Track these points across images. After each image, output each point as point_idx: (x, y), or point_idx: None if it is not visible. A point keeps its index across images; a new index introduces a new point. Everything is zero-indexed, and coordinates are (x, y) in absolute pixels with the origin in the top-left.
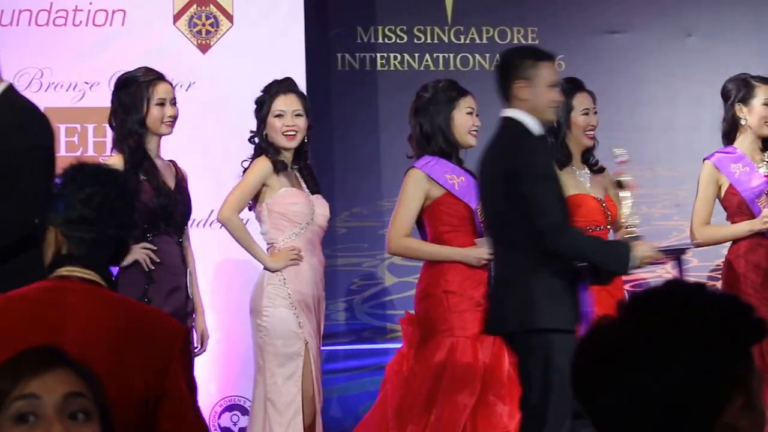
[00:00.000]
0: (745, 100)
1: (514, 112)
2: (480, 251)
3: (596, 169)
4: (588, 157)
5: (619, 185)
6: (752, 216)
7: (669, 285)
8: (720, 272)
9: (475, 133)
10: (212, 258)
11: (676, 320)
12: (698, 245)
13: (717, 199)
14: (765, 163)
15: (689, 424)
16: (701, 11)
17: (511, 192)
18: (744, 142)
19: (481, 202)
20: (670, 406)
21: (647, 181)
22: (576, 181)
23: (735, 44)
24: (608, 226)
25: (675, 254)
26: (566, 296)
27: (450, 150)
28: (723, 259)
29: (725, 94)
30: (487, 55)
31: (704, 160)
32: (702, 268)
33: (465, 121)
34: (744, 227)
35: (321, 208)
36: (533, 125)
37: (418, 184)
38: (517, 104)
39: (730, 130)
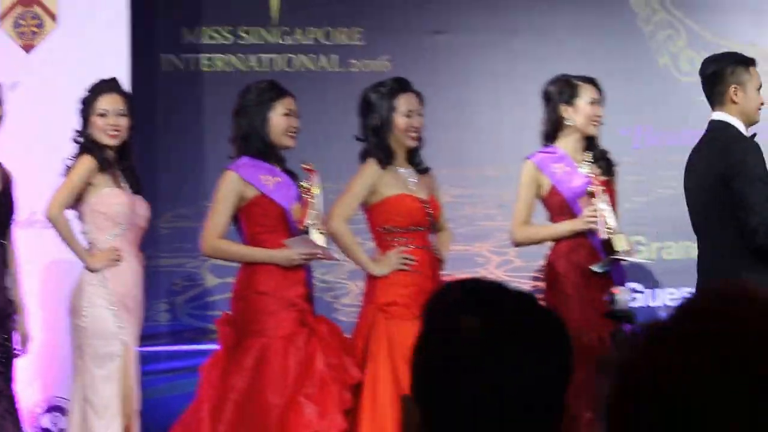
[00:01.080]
0: (570, 100)
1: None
2: (289, 252)
3: (421, 170)
4: (414, 157)
5: None
6: (574, 216)
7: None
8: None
9: (292, 134)
10: (38, 258)
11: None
12: (518, 245)
13: (539, 199)
14: (586, 163)
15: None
16: (526, 11)
17: (724, 191)
18: (566, 142)
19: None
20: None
21: (472, 181)
22: (399, 181)
23: (560, 44)
24: (429, 228)
25: None
26: None
27: (267, 151)
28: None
29: (547, 96)
30: (313, 56)
31: (525, 159)
32: (526, 268)
33: (281, 123)
34: (565, 227)
35: (142, 208)
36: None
37: (231, 185)
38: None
39: (553, 130)
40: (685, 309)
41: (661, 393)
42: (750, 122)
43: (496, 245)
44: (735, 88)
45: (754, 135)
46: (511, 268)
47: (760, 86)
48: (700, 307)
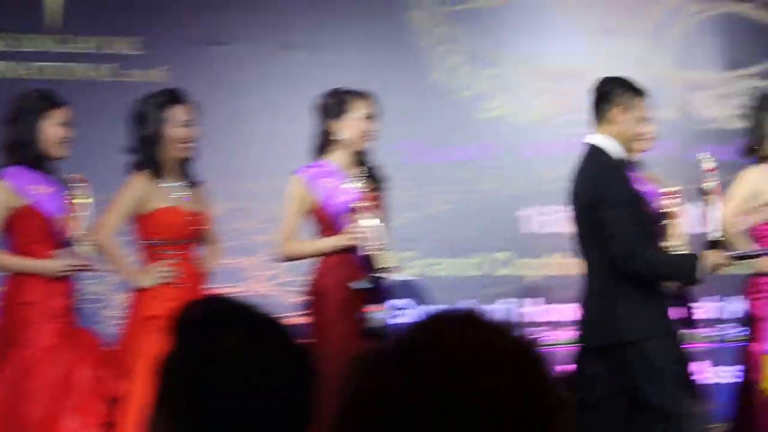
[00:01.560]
0: (339, 115)
1: (599, 138)
2: (56, 263)
3: (193, 182)
4: (185, 169)
5: (704, 192)
6: (340, 231)
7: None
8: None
9: (64, 144)
10: None
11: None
12: (284, 260)
13: (308, 214)
14: (357, 177)
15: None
16: (305, 24)
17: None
18: (337, 157)
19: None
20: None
21: (245, 194)
22: (167, 194)
23: (337, 57)
24: (196, 241)
25: (747, 259)
26: (651, 305)
27: (38, 160)
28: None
29: (318, 110)
30: (91, 64)
31: (293, 174)
32: (294, 282)
33: (53, 132)
34: (329, 243)
35: None
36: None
37: None
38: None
39: (323, 144)
40: (404, 337)
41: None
42: (629, 149)
43: (266, 259)
44: (619, 108)
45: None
46: (279, 283)
47: (645, 120)
48: (415, 336)
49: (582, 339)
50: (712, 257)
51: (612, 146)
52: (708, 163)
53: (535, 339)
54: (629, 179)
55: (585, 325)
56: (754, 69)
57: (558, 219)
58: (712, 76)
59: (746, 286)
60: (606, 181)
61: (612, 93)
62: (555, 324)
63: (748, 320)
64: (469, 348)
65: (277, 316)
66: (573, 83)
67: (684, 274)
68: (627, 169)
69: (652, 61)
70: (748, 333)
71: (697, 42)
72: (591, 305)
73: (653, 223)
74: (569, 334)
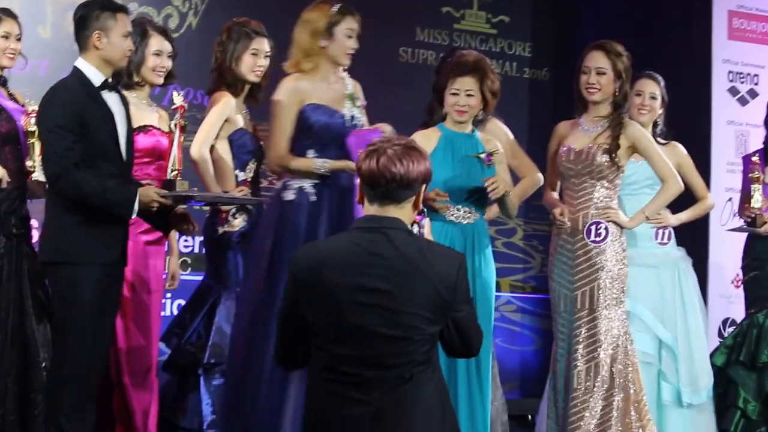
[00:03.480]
0: None
1: (82, 62)
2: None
3: None
4: None
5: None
6: None
7: None
8: None
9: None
10: None
11: None
12: None
13: None
14: None
15: None
16: None
17: None
18: None
19: None
20: None
21: None
22: None
23: None
24: None
25: (180, 199)
26: (96, 231)
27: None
28: None
29: None
30: None
31: None
32: None
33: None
34: None
35: None
36: (98, 76)
37: None
38: (89, 55)
39: None
40: None
41: None
42: (117, 69)
43: None
44: (99, 33)
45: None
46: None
47: (129, 33)
48: None
49: (39, 254)
50: (145, 193)
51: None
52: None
53: None
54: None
55: (39, 239)
56: None
57: None
58: None
59: None
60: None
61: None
62: None
63: None
64: None
65: None
66: None
67: (121, 207)
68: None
69: None
70: None
71: None
72: (45, 220)
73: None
74: None
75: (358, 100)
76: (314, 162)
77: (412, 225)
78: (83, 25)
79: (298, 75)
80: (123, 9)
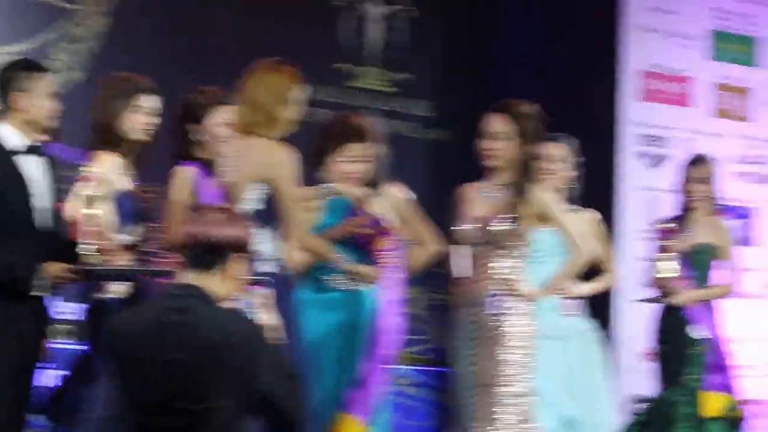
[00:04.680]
0: None
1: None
2: None
3: None
4: None
5: None
6: None
7: None
8: None
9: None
10: None
11: None
12: None
13: None
14: None
15: None
16: None
17: None
18: None
19: None
20: None
21: None
22: None
23: None
24: None
25: (97, 274)
26: None
27: None
28: None
29: None
30: None
31: None
32: None
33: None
34: None
35: None
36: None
37: None
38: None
39: None
40: None
41: None
42: (42, 130)
43: None
44: (17, 95)
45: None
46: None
47: (53, 92)
48: None
49: None
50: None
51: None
52: None
53: None
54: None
55: None
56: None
57: None
58: None
59: None
60: None
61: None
62: None
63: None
64: None
65: None
66: None
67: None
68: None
69: None
70: None
71: None
72: None
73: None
74: None
75: None
76: None
77: (241, 295)
78: (4, 87)
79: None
80: (44, 69)
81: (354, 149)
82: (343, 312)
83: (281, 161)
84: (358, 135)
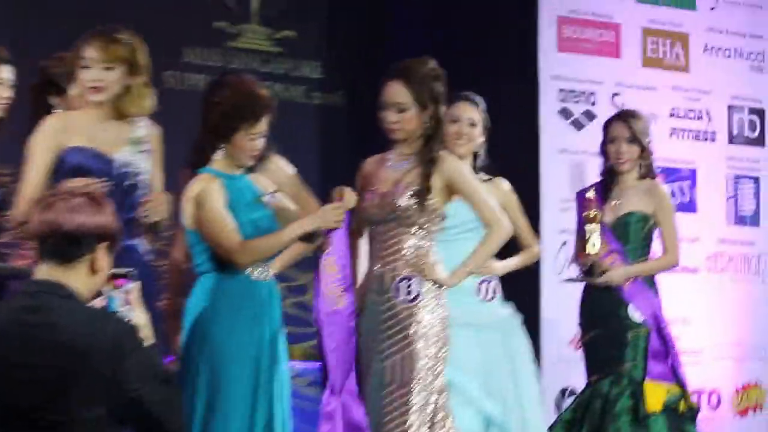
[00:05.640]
0: None
1: None
2: None
3: None
4: None
5: None
6: None
7: None
8: None
9: None
10: None
11: None
12: None
13: None
14: None
15: None
16: None
17: None
18: None
19: None
20: None
21: None
22: None
23: None
24: None
25: None
26: None
27: None
28: None
29: None
30: None
31: None
32: None
33: None
34: None
35: None
36: None
37: None
38: None
39: None
40: None
41: None
42: None
43: None
44: None
45: None
46: None
47: None
48: None
49: None
50: None
51: None
52: None
53: None
54: None
55: None
56: None
57: None
58: None
59: None
60: None
61: None
62: None
63: None
64: None
65: None
66: None
67: None
68: None
69: None
70: None
71: None
72: None
73: None
74: None
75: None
76: None
77: (111, 291)
78: None
79: None
80: None
81: (264, 124)
82: None
83: None
84: (268, 107)
